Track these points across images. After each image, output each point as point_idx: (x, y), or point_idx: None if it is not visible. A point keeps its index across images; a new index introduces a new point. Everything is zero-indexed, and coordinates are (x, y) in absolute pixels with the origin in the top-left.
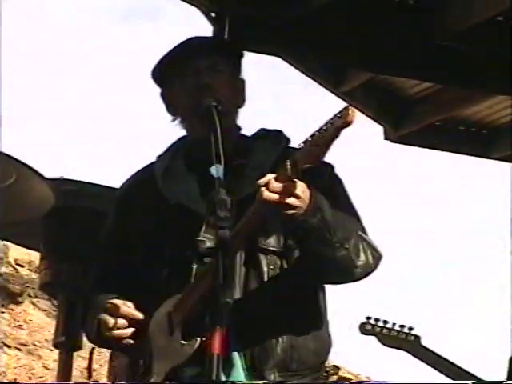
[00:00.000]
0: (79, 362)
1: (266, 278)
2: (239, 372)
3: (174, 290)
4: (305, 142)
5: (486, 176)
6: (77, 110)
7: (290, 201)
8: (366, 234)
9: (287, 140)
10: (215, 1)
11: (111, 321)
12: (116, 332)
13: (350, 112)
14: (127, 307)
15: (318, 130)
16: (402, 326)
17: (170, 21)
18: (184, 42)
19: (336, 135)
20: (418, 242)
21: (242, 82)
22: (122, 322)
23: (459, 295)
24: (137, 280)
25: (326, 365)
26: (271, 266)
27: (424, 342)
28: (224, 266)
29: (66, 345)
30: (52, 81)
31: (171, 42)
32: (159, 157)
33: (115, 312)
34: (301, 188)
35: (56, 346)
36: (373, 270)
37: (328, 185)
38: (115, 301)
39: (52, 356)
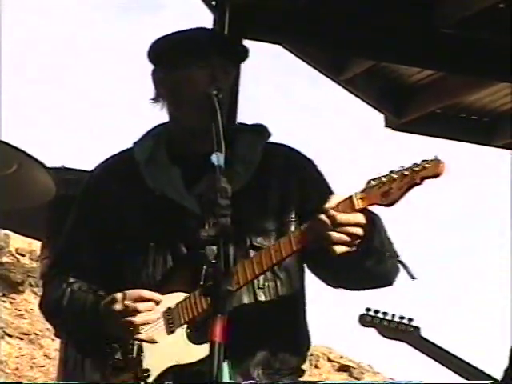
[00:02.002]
0: None
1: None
2: (224, 367)
3: (170, 286)
4: (379, 179)
5: (487, 164)
6: (77, 100)
7: (357, 231)
8: None
9: (269, 134)
10: None
11: (141, 306)
12: (148, 316)
13: (440, 165)
14: (145, 292)
15: (397, 172)
16: (401, 318)
17: (172, 13)
18: (198, 32)
19: (418, 184)
20: (418, 233)
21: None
22: (150, 304)
23: (459, 287)
24: (118, 270)
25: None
26: None
27: (424, 334)
28: (226, 254)
29: None
30: (52, 72)
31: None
32: (136, 143)
33: (139, 298)
34: (364, 215)
35: (57, 335)
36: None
37: (314, 180)
38: (129, 291)
39: (53, 345)
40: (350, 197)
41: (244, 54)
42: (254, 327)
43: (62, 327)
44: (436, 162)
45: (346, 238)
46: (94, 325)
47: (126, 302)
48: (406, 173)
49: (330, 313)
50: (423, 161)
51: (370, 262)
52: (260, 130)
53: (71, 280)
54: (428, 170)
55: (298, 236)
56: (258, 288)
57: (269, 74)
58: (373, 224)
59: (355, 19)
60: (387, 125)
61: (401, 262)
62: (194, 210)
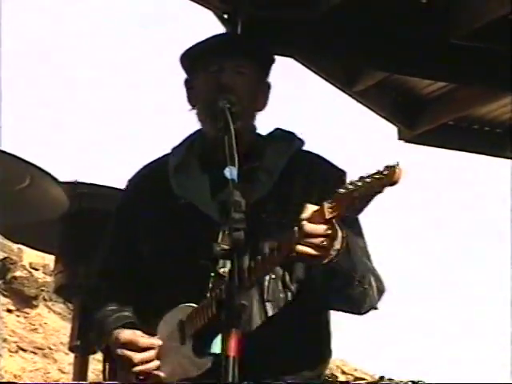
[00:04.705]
0: (95, 365)
1: (265, 287)
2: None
3: (186, 296)
4: (346, 188)
5: (500, 175)
6: (91, 114)
7: (322, 242)
8: (371, 260)
9: (301, 142)
10: (228, 2)
11: (136, 356)
12: (144, 367)
13: (396, 172)
14: (144, 338)
15: (362, 180)
16: None
17: (186, 27)
18: (215, 37)
19: (379, 192)
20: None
21: (267, 86)
22: (146, 355)
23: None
24: (144, 277)
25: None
26: (273, 276)
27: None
28: (239, 268)
29: (82, 348)
30: (66, 86)
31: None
32: (175, 149)
33: (135, 346)
34: (336, 229)
35: (71, 349)
36: (376, 304)
37: None
38: (127, 335)
39: (67, 359)
40: (322, 206)
41: (266, 48)
42: (264, 341)
43: (92, 339)
44: (393, 169)
45: (309, 250)
46: (108, 349)
47: (122, 352)
48: (368, 180)
49: (344, 324)
50: (385, 167)
51: (337, 283)
52: (290, 139)
53: (107, 294)
54: (386, 179)
55: (280, 248)
56: (267, 301)
57: (280, 87)
58: (343, 244)
59: (367, 31)
60: (400, 137)
61: (365, 289)
62: (216, 218)
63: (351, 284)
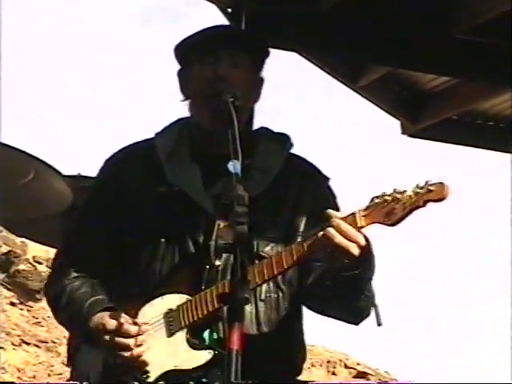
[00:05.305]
0: None
1: (258, 286)
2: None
3: (174, 285)
4: (382, 198)
5: (504, 170)
6: (94, 108)
7: (353, 249)
8: None
9: (291, 145)
10: None
11: (128, 341)
12: (138, 350)
13: (445, 189)
14: (134, 324)
15: (402, 192)
16: None
17: (192, 22)
18: (211, 28)
19: (422, 207)
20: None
21: (261, 80)
22: (139, 339)
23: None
24: (123, 259)
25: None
26: None
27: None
28: (242, 262)
29: None
30: (69, 82)
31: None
32: (158, 135)
33: (125, 332)
34: (365, 238)
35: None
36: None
37: (326, 199)
38: (115, 320)
39: None
40: (353, 214)
41: (261, 42)
42: (252, 339)
43: (60, 320)
44: (441, 186)
45: (348, 244)
46: (87, 334)
47: (111, 338)
48: (410, 194)
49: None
50: (427, 183)
51: (349, 294)
52: (283, 140)
53: (74, 274)
54: (433, 194)
55: (300, 248)
56: (260, 300)
57: (284, 82)
58: (369, 260)
59: (370, 26)
60: (403, 131)
61: (375, 305)
62: (209, 210)
63: (358, 295)
